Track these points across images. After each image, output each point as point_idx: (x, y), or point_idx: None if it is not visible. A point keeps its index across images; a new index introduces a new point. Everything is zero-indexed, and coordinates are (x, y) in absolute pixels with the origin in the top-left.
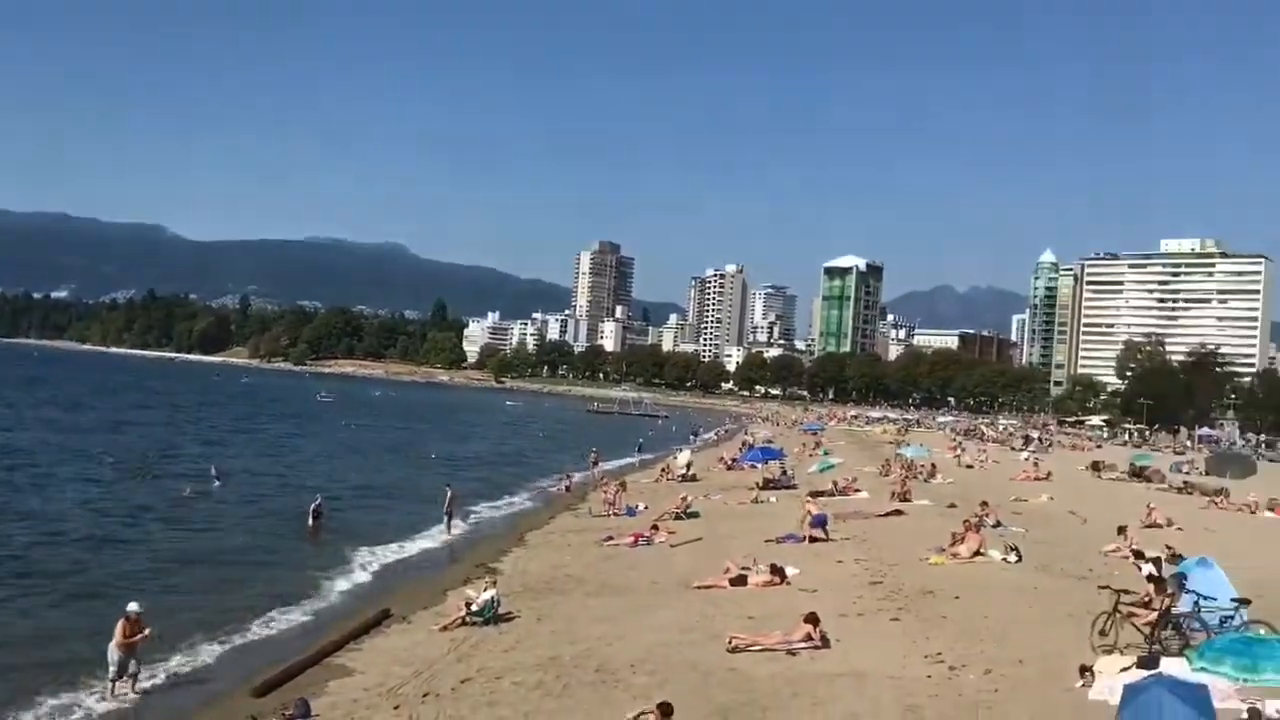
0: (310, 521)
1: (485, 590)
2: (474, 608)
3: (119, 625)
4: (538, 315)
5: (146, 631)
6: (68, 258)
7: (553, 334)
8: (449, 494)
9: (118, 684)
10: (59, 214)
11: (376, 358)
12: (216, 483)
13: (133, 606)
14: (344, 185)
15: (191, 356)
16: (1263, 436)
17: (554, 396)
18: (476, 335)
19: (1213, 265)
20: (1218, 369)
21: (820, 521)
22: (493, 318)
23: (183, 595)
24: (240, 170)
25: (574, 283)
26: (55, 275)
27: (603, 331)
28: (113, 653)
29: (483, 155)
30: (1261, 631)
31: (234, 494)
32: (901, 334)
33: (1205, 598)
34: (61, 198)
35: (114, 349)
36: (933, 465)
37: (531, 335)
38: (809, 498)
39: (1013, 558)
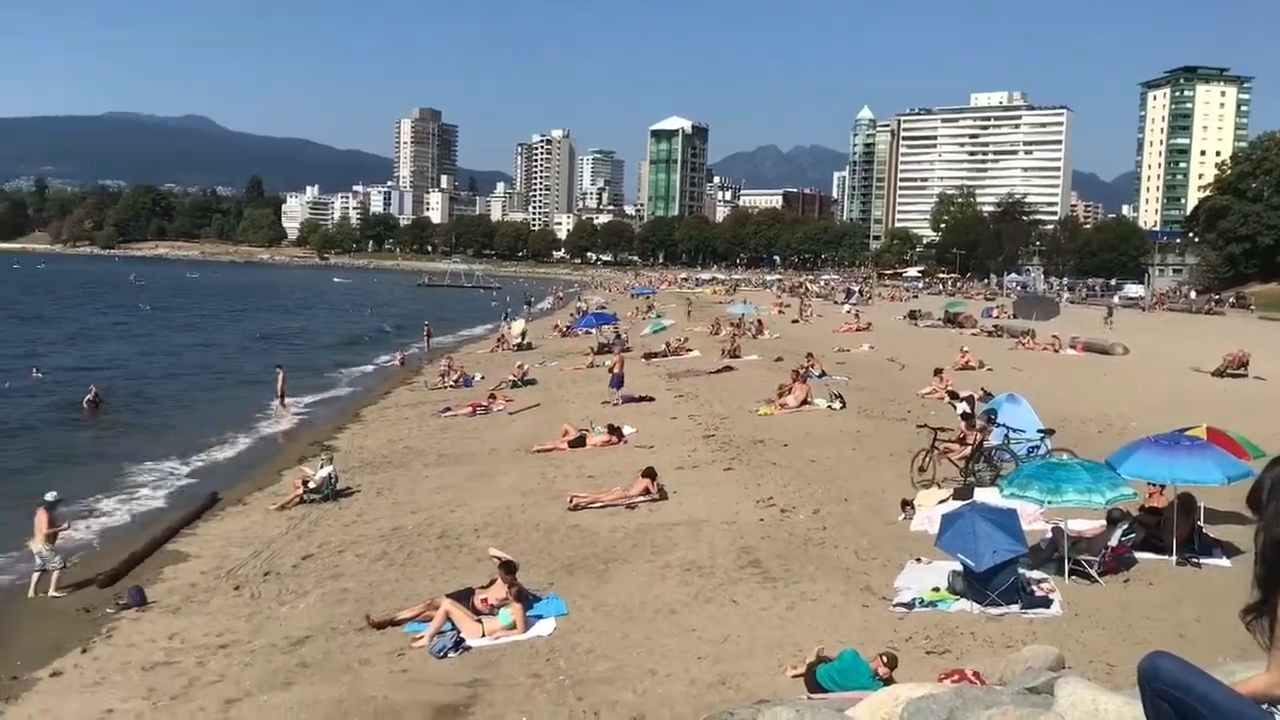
0: (85, 408)
1: (322, 467)
2: (311, 485)
3: (42, 517)
4: (359, 188)
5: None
6: None
7: (376, 207)
8: (280, 375)
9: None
10: None
11: (190, 238)
12: (37, 374)
13: (50, 495)
14: (140, 55)
15: None
16: (1065, 280)
17: (382, 271)
18: (295, 211)
19: (1019, 117)
20: (1024, 217)
21: (617, 381)
22: (312, 192)
23: None
24: (23, 42)
25: (395, 153)
26: None
27: (429, 203)
28: (40, 547)
29: (286, 17)
30: (1064, 457)
31: (58, 388)
32: (728, 195)
33: (1014, 430)
34: None
35: None
36: (759, 322)
37: (354, 209)
38: (598, 356)
39: (837, 405)
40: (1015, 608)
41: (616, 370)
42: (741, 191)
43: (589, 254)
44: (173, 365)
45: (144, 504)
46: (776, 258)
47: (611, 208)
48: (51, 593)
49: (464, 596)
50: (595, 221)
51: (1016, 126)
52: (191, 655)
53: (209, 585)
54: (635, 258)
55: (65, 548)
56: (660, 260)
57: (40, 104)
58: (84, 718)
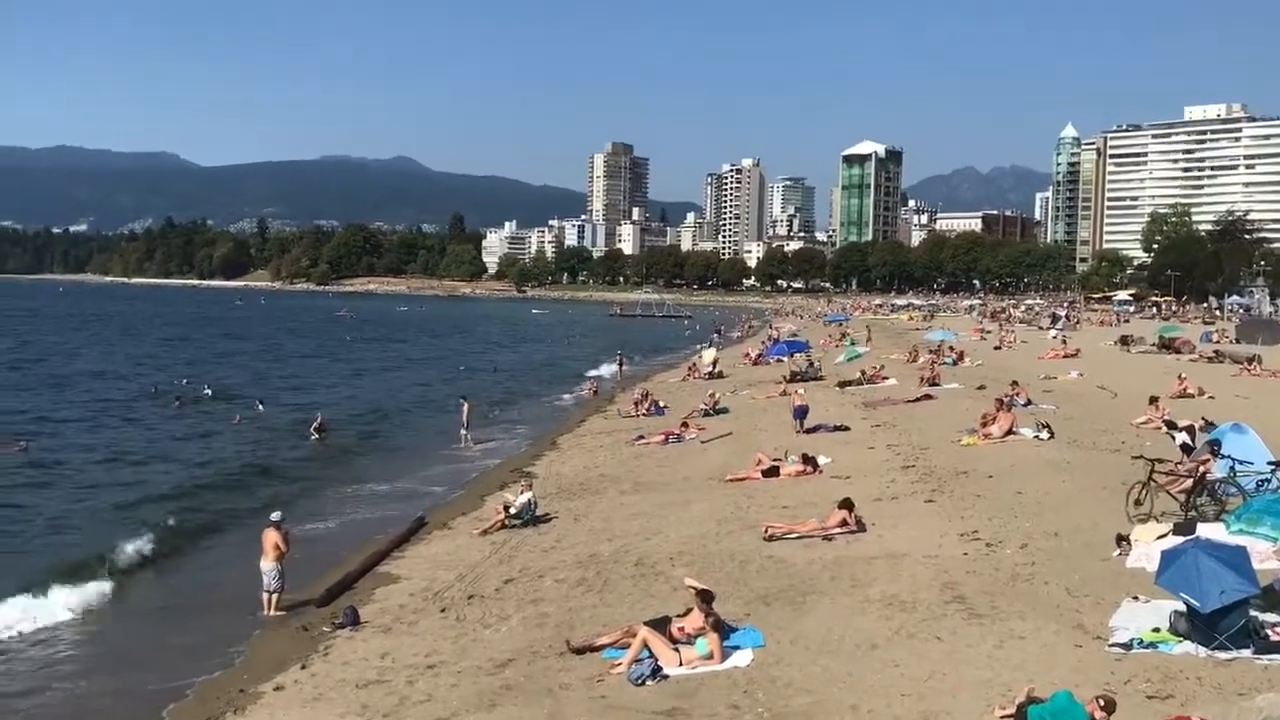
0: (313, 436)
1: (522, 493)
2: (512, 511)
3: (272, 536)
4: (554, 222)
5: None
6: (83, 191)
7: (570, 240)
8: (466, 406)
9: (272, 596)
10: (73, 147)
11: (397, 274)
12: (260, 407)
13: (276, 515)
14: (351, 103)
15: (214, 282)
16: None
17: (576, 303)
18: (495, 246)
19: (1239, 130)
20: (1246, 236)
21: (800, 413)
22: (510, 227)
23: (227, 516)
24: (247, 95)
25: (588, 187)
26: (73, 209)
27: (621, 235)
28: (268, 565)
29: (485, 62)
30: None
31: (278, 418)
32: (923, 219)
33: (1241, 462)
34: (73, 131)
35: (136, 280)
36: (952, 349)
37: (549, 243)
38: (790, 385)
39: (1045, 435)
40: (1247, 652)
41: (799, 402)
42: (938, 215)
43: (780, 281)
44: (386, 394)
45: (358, 527)
46: (976, 282)
47: (802, 234)
48: (274, 611)
49: (661, 624)
50: (786, 249)
51: (1236, 140)
52: (402, 674)
53: (417, 607)
54: (827, 284)
55: (288, 567)
56: (853, 286)
57: (262, 151)
58: None
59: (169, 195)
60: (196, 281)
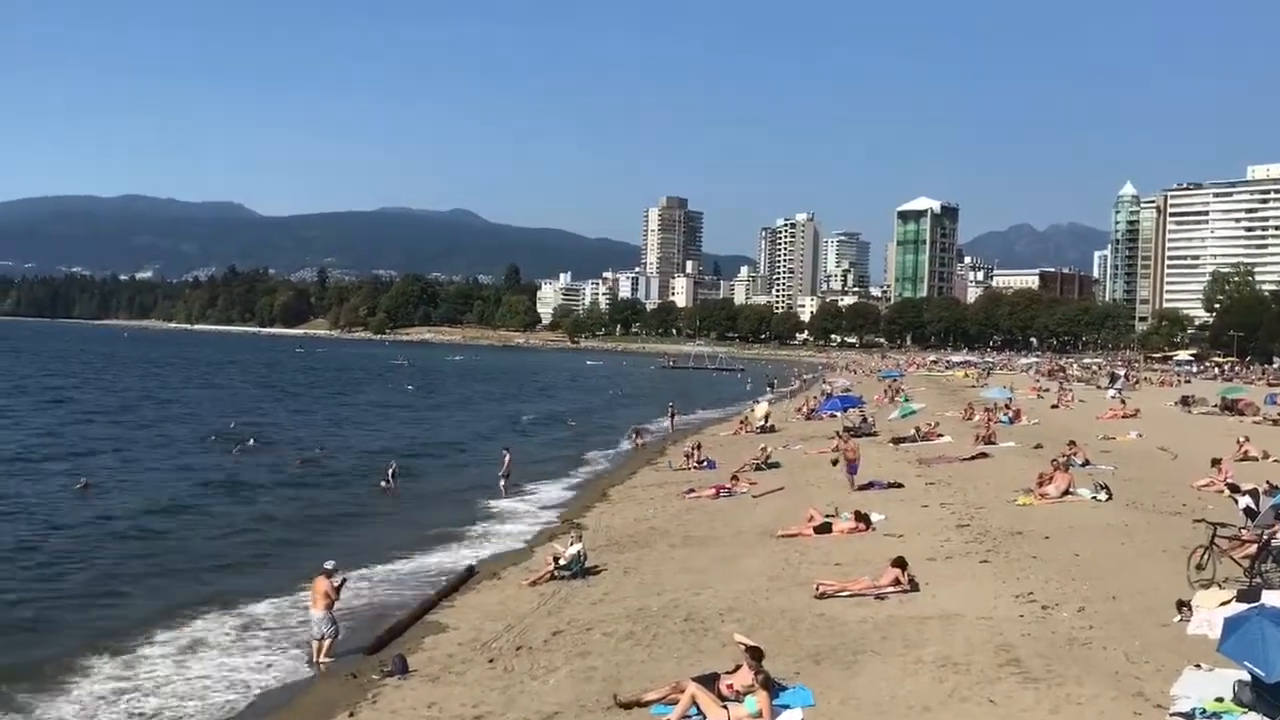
0: (386, 484)
1: (572, 545)
2: (562, 562)
3: (322, 584)
4: (609, 274)
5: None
6: (150, 239)
7: (624, 292)
8: (506, 458)
9: (322, 644)
10: (141, 196)
11: (453, 323)
12: (319, 450)
13: (329, 564)
14: (411, 156)
15: (274, 330)
16: None
17: (629, 354)
18: (549, 297)
19: None
20: None
21: (853, 468)
22: (565, 279)
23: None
24: (310, 146)
25: (643, 240)
26: (139, 256)
27: (674, 287)
28: (319, 614)
29: (543, 118)
30: None
31: (340, 463)
32: (979, 276)
33: None
34: (140, 180)
35: (198, 326)
36: (1009, 407)
37: (603, 294)
38: (843, 441)
39: (1103, 496)
40: None
41: (850, 457)
42: (994, 272)
43: (833, 336)
44: (443, 443)
45: (408, 575)
46: (1033, 340)
47: (856, 289)
48: (323, 658)
49: (709, 681)
50: (840, 303)
51: None
52: None
53: (465, 656)
54: (881, 340)
55: (338, 615)
56: (908, 343)
57: (323, 201)
58: None
59: (232, 244)
60: (257, 329)
